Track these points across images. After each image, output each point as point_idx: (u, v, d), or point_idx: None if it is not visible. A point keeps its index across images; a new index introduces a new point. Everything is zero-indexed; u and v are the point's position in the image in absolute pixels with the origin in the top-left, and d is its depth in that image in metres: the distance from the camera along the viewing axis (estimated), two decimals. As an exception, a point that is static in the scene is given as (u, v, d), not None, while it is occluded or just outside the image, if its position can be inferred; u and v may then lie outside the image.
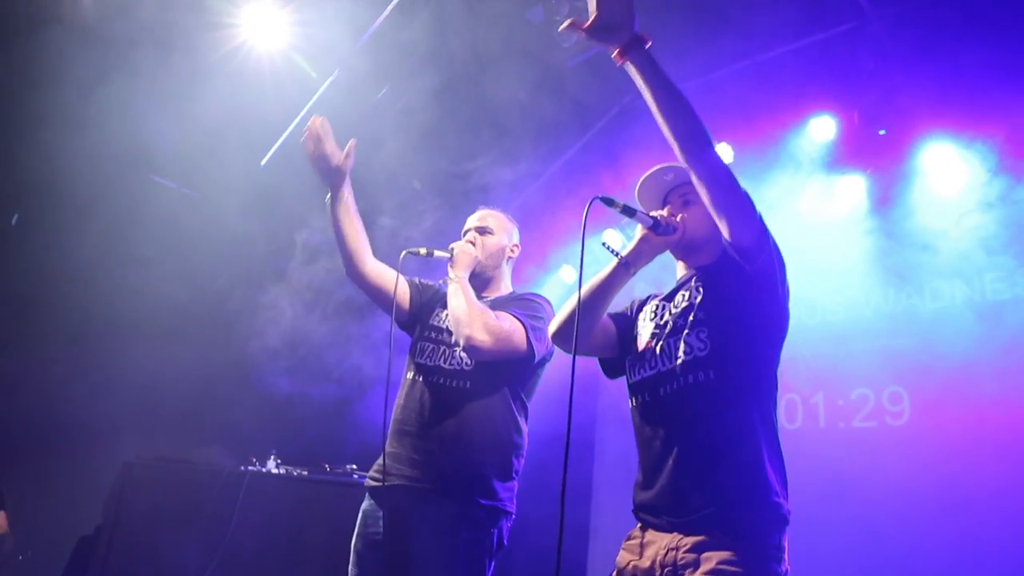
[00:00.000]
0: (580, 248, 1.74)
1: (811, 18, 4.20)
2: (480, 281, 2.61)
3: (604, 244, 1.99)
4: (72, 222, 4.82)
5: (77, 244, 4.89)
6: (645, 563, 1.77)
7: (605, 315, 2.04)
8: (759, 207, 1.80)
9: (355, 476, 4.07)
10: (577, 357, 1.78)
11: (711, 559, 1.65)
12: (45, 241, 4.94)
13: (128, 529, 3.94)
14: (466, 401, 2.34)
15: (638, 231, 1.98)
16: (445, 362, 2.43)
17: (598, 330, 2.03)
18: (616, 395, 2.25)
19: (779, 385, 1.87)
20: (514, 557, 4.76)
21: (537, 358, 2.39)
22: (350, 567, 2.33)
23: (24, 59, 4.07)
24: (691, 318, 1.87)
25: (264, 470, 4.11)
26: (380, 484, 2.32)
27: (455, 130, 4.56)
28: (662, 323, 1.95)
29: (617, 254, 1.98)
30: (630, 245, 1.98)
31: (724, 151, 4.60)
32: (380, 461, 2.36)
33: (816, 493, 4.00)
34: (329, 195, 2.49)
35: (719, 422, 1.75)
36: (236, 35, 4.30)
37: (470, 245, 2.56)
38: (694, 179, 1.76)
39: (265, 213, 5.06)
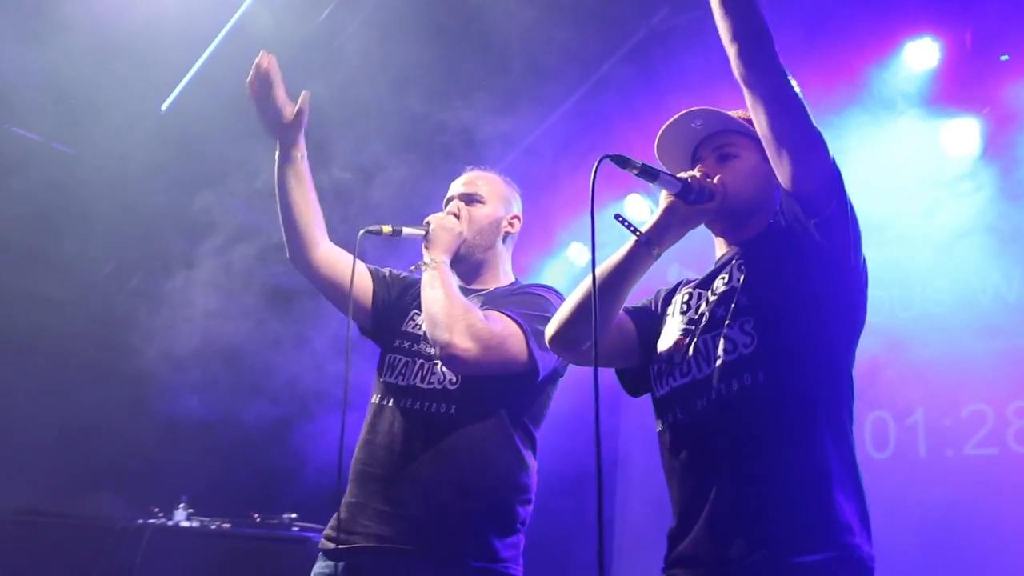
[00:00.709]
0: (590, 222, 1.70)
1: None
2: (467, 267, 2.60)
3: (618, 216, 1.97)
4: None
5: None
6: None
7: (620, 311, 2.03)
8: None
9: (295, 529, 4.09)
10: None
11: None
12: None
13: (-12, 606, 3.96)
14: (451, 431, 2.34)
15: (662, 199, 1.97)
16: (423, 380, 2.43)
17: (612, 331, 2.02)
18: (643, 410, 2.24)
19: (858, 396, 1.87)
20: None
21: (542, 373, 2.39)
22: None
23: None
24: (733, 306, 1.87)
25: (170, 523, 4.11)
26: (335, 546, 2.31)
27: (432, 62, 4.49)
28: (696, 316, 1.96)
29: (636, 230, 1.98)
30: (652, 217, 1.98)
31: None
32: (337, 514, 2.34)
33: (913, 540, 4.01)
34: (278, 154, 2.50)
35: (774, 441, 1.75)
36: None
37: (452, 218, 2.55)
38: (750, 100, 1.77)
39: (167, 175, 5.00)
